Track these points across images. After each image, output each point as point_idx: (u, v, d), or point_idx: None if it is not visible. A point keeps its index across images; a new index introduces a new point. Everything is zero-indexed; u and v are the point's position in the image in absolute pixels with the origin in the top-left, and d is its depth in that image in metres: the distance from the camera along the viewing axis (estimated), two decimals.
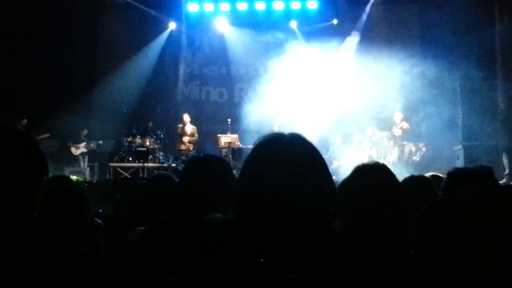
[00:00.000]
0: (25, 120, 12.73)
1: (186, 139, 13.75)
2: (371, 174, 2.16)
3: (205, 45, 15.96)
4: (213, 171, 2.34)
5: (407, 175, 3.29)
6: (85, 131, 14.14)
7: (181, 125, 14.02)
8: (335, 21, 15.52)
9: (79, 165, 13.81)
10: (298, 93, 15.98)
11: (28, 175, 1.43)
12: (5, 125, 1.44)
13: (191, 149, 13.72)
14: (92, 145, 14.08)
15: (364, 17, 15.27)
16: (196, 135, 14.07)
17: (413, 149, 13.06)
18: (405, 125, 12.94)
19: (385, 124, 13.47)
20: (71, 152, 13.82)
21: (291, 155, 1.48)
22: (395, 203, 2.04)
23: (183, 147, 13.79)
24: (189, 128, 13.96)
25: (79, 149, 13.90)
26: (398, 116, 12.94)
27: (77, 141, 13.92)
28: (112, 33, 15.69)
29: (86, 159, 14.14)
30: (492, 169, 2.97)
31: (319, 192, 1.47)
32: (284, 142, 1.52)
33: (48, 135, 13.14)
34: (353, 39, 15.45)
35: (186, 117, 14.07)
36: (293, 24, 15.57)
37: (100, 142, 14.28)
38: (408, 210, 2.00)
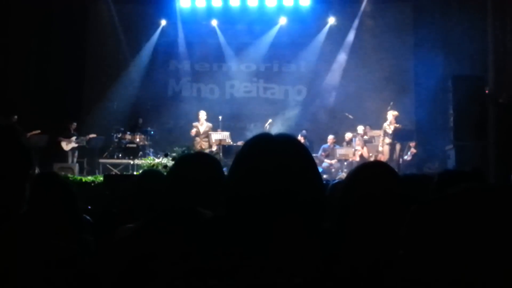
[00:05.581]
0: (16, 117, 12.58)
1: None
2: (375, 174, 2.14)
3: (197, 41, 15.91)
4: (203, 169, 2.33)
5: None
6: (74, 124, 13.85)
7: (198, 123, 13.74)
8: (331, 20, 15.54)
9: (67, 161, 13.45)
10: (291, 90, 16.02)
11: (13, 170, 1.41)
12: None
13: (214, 149, 13.18)
14: (83, 138, 13.80)
15: (357, 15, 15.31)
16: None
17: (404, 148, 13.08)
18: (396, 124, 12.91)
19: (377, 123, 13.49)
20: (61, 147, 13.50)
21: (280, 154, 1.50)
22: (396, 203, 2.03)
23: (203, 146, 13.34)
24: (205, 126, 13.72)
25: (70, 144, 13.59)
26: (391, 114, 12.87)
27: (67, 135, 13.65)
28: (103, 29, 15.63)
29: (76, 154, 13.84)
30: (482, 170, 2.97)
31: (308, 190, 1.49)
32: (274, 141, 1.54)
33: (39, 131, 12.95)
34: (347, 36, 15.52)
35: (203, 115, 13.83)
36: (283, 20, 15.57)
37: (90, 136, 13.95)
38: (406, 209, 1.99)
